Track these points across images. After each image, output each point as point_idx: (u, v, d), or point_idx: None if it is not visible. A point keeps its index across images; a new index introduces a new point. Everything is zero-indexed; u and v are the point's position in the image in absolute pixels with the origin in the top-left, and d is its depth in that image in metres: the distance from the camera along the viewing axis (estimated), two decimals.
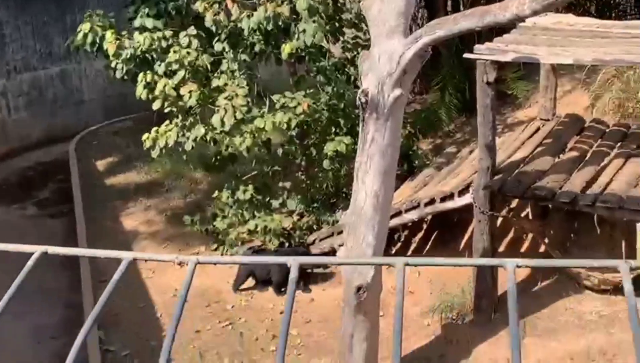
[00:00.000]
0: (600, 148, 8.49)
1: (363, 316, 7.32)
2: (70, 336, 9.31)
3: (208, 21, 9.12)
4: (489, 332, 8.17)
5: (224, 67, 9.07)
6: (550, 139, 8.73)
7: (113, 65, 9.31)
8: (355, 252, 7.18)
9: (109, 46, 8.97)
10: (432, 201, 8.58)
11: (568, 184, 7.66)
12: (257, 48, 9.02)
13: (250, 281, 9.62)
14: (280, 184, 10.11)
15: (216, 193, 10.07)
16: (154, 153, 8.91)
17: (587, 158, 8.28)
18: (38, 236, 12.02)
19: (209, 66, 9.06)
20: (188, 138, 8.90)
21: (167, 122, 9.12)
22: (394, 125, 6.81)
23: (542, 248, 8.89)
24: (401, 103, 6.77)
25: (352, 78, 9.53)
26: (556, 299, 8.38)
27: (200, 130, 8.79)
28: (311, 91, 9.18)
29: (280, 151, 9.76)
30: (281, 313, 9.19)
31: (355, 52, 9.52)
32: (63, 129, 16.58)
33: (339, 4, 9.62)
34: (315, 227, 9.74)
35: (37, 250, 1.21)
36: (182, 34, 9.22)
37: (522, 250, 9.21)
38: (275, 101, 8.94)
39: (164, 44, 9.03)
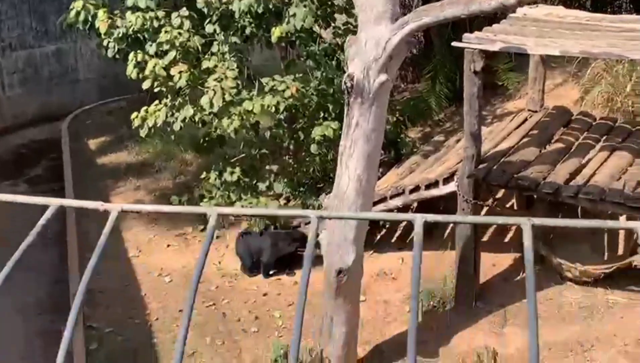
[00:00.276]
0: (585, 140, 8.53)
1: (343, 300, 7.38)
2: (57, 313, 9.42)
3: (200, 3, 9.14)
4: (469, 319, 8.23)
5: (214, 49, 9.09)
6: (536, 130, 8.77)
7: (105, 43, 9.33)
8: (337, 235, 7.22)
9: (101, 24, 8.99)
10: (417, 188, 8.63)
11: (552, 175, 7.70)
12: (247, 31, 9.04)
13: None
14: (268, 167, 10.16)
15: (204, 174, 10.11)
16: (143, 132, 8.94)
17: (572, 150, 8.33)
18: (29, 214, 12.08)
19: (199, 48, 9.07)
20: (177, 119, 8.93)
21: (157, 102, 9.15)
22: (378, 110, 6.84)
23: None
24: (386, 89, 6.80)
25: (342, 64, 9.55)
26: (537, 289, 8.38)
27: (189, 111, 8.81)
28: (300, 75, 9.20)
29: (268, 134, 9.79)
30: (264, 295, 9.26)
31: (345, 38, 9.53)
32: (58, 107, 16.58)
33: None
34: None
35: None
36: (174, 14, 9.22)
37: (506, 240, 9.26)
38: (264, 84, 8.97)
39: (155, 24, 9.04)
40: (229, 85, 8.64)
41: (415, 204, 9.83)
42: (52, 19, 16.03)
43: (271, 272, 9.56)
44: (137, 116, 8.92)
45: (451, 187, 8.25)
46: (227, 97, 8.71)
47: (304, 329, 8.32)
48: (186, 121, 8.98)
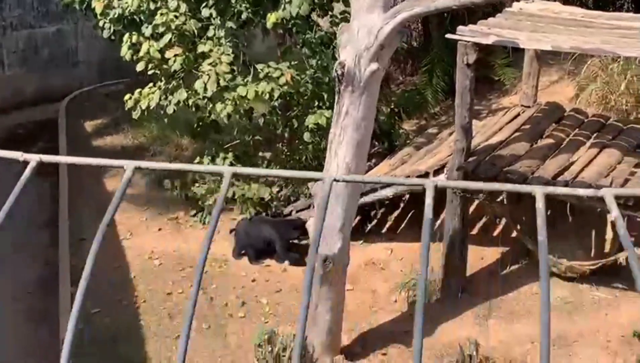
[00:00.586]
0: (576, 137, 8.55)
1: (328, 287, 7.41)
2: (46, 292, 9.45)
3: None
4: (455, 310, 8.27)
5: (210, 33, 9.10)
6: (528, 125, 8.79)
7: (101, 24, 9.34)
8: (324, 223, 7.25)
9: (97, 4, 9.00)
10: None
11: (541, 170, 7.72)
12: (244, 16, 9.04)
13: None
14: (261, 154, 10.17)
15: (197, 159, 10.13)
16: (135, 114, 8.96)
17: (562, 146, 8.35)
18: (23, 193, 12.12)
19: (195, 31, 9.08)
20: (170, 102, 8.94)
21: (151, 84, 9.17)
22: (369, 99, 6.86)
23: (514, 233, 8.98)
24: (377, 77, 6.82)
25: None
26: (523, 283, 8.48)
27: (182, 94, 8.83)
28: (296, 63, 9.21)
29: (262, 121, 9.81)
30: (253, 281, 9.29)
31: None
32: (56, 88, 16.59)
33: None
34: (292, 199, 9.82)
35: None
36: None
37: (495, 234, 9.29)
38: (259, 70, 8.98)
39: (152, 6, 9.05)
40: (223, 70, 8.65)
41: (407, 196, 9.88)
42: None
43: (260, 259, 9.58)
44: (130, 98, 8.93)
45: (441, 179, 8.26)
46: (222, 82, 8.72)
47: (290, 315, 8.35)
48: (180, 104, 9.00)
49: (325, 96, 9.45)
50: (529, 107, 9.26)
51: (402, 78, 13.06)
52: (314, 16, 9.47)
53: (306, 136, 9.31)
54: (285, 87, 8.83)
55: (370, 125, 7.03)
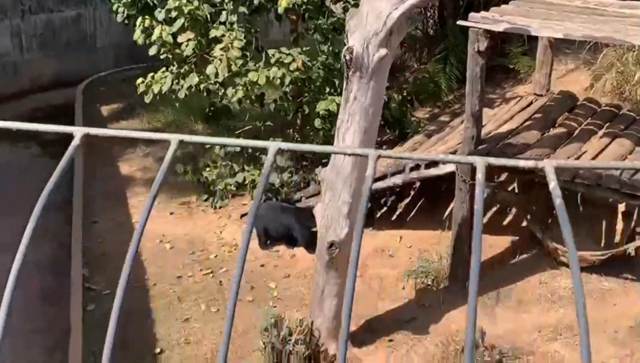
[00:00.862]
0: (588, 126, 8.48)
1: (335, 272, 7.43)
2: (59, 273, 9.54)
3: None
4: (462, 299, 8.25)
5: (222, 18, 9.11)
6: (540, 114, 8.73)
7: (115, 8, 9.38)
8: (331, 208, 7.27)
9: None
10: (417, 167, 8.63)
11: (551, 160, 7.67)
12: (256, 1, 9.04)
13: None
14: (272, 140, 10.17)
15: (208, 145, 10.15)
16: (147, 98, 9.01)
17: (574, 135, 8.29)
18: (39, 175, 12.23)
19: (208, 16, 9.10)
20: (182, 87, 8.98)
21: (164, 69, 9.21)
22: (377, 85, 6.85)
23: (524, 223, 8.95)
24: (386, 64, 6.80)
25: None
26: (532, 273, 8.45)
27: (194, 79, 8.86)
28: (307, 48, 9.21)
29: (273, 107, 9.82)
30: (262, 266, 9.33)
31: None
32: (74, 73, 16.71)
33: None
34: (302, 185, 9.84)
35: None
36: None
37: (505, 223, 9.26)
38: (270, 55, 8.98)
39: None
40: (235, 55, 8.67)
41: (417, 184, 9.87)
42: None
43: (269, 243, 9.60)
44: (142, 82, 8.98)
45: (450, 167, 8.24)
46: (233, 68, 8.74)
47: (297, 300, 8.38)
48: (192, 89, 9.03)
49: (337, 83, 9.45)
50: (541, 96, 9.20)
51: (417, 66, 13.01)
52: (326, 2, 9.45)
53: (317, 123, 9.31)
54: (297, 73, 8.84)
55: (379, 112, 7.02)
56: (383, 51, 6.62)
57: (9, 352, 7.56)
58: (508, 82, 11.73)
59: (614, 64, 10.06)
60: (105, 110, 14.84)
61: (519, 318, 7.88)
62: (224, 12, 9.21)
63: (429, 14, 13.08)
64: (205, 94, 9.19)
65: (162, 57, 8.97)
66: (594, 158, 7.58)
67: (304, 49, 9.20)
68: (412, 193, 9.98)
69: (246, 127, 10.07)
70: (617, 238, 8.25)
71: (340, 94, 9.26)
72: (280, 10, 8.72)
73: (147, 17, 8.95)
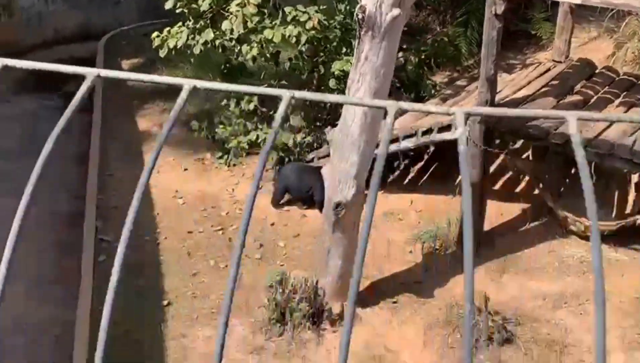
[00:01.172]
0: (605, 95, 8.35)
1: (341, 233, 7.45)
2: (73, 226, 9.66)
3: None
4: None
5: None
6: (557, 81, 8.60)
7: None
8: (338, 169, 7.26)
9: None
10: (429, 131, 8.57)
11: (564, 127, 7.57)
12: None
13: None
14: None
15: (224, 102, 10.17)
16: (162, 52, 9.00)
17: (590, 103, 8.17)
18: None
19: None
20: (197, 42, 8.95)
21: (180, 24, 9.18)
22: (389, 46, 6.78)
23: (536, 191, 8.88)
24: (399, 24, 6.73)
25: None
26: (541, 241, 8.42)
27: (209, 34, 8.83)
28: (324, 7, 9.12)
29: (287, 65, 9.76)
30: (272, 224, 9.38)
31: None
32: (97, 26, 16.77)
33: None
34: (315, 145, 9.82)
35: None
36: None
37: (517, 190, 9.20)
38: (287, 13, 8.92)
39: None
40: (250, 11, 8.62)
41: (431, 149, 9.82)
42: None
43: (282, 202, 9.63)
44: (157, 36, 8.97)
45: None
46: (249, 25, 8.69)
47: (305, 260, 8.41)
48: (207, 45, 9.00)
49: (354, 43, 9.35)
50: (560, 62, 9.06)
51: (439, 29, 12.85)
52: None
53: (332, 83, 9.26)
54: (313, 32, 8.77)
55: (390, 73, 6.96)
56: (396, 11, 6.55)
57: (24, 300, 7.72)
58: (529, 48, 11.56)
59: (636, 32, 9.86)
60: (125, 64, 14.88)
61: (525, 286, 7.86)
62: None
63: None
64: (220, 50, 9.16)
65: (177, 11, 8.93)
66: (608, 127, 7.46)
67: (321, 7, 9.11)
68: (426, 157, 9.94)
69: (261, 86, 10.02)
70: (629, 209, 8.16)
71: None
72: None
73: None
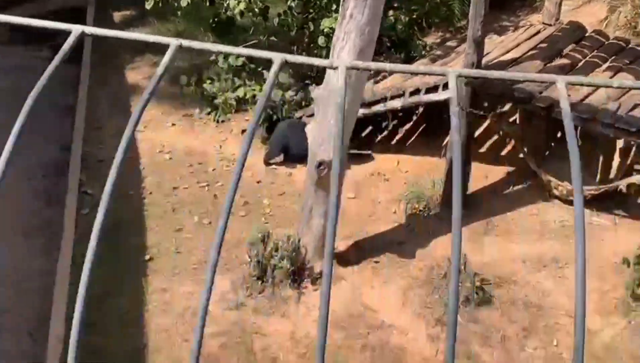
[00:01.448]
0: (593, 59, 8.30)
1: (323, 192, 7.46)
2: (58, 176, 9.65)
3: None
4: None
5: None
6: (545, 43, 8.54)
7: None
8: (322, 127, 7.24)
9: None
10: (417, 91, 8.53)
11: (549, 90, 7.55)
12: None
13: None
14: None
15: (213, 57, 10.08)
16: (148, 4, 8.90)
17: (577, 67, 8.12)
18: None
19: None
20: None
21: None
22: (375, 3, 6.72)
23: (521, 155, 8.87)
24: None
25: None
26: (524, 204, 8.43)
27: None
28: None
29: (276, 21, 9.66)
30: (258, 182, 9.36)
31: None
32: None
33: None
34: (303, 103, 9.77)
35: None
36: None
37: (503, 153, 9.20)
38: None
39: None
40: None
41: (421, 109, 9.78)
42: None
43: (271, 162, 9.59)
44: None
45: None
46: None
47: (289, 218, 8.42)
48: None
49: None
50: (550, 25, 8.98)
51: None
52: None
53: (321, 40, 9.18)
54: None
55: (375, 32, 6.89)
56: None
57: (7, 249, 7.76)
58: (523, 10, 11.45)
59: None
60: (117, 16, 14.70)
61: (506, 248, 7.90)
62: None
63: None
64: (207, 4, 9.04)
65: None
66: (593, 91, 7.43)
67: None
68: (415, 118, 9.90)
69: (251, 42, 9.93)
70: (613, 175, 8.17)
71: None
72: None
73: None
